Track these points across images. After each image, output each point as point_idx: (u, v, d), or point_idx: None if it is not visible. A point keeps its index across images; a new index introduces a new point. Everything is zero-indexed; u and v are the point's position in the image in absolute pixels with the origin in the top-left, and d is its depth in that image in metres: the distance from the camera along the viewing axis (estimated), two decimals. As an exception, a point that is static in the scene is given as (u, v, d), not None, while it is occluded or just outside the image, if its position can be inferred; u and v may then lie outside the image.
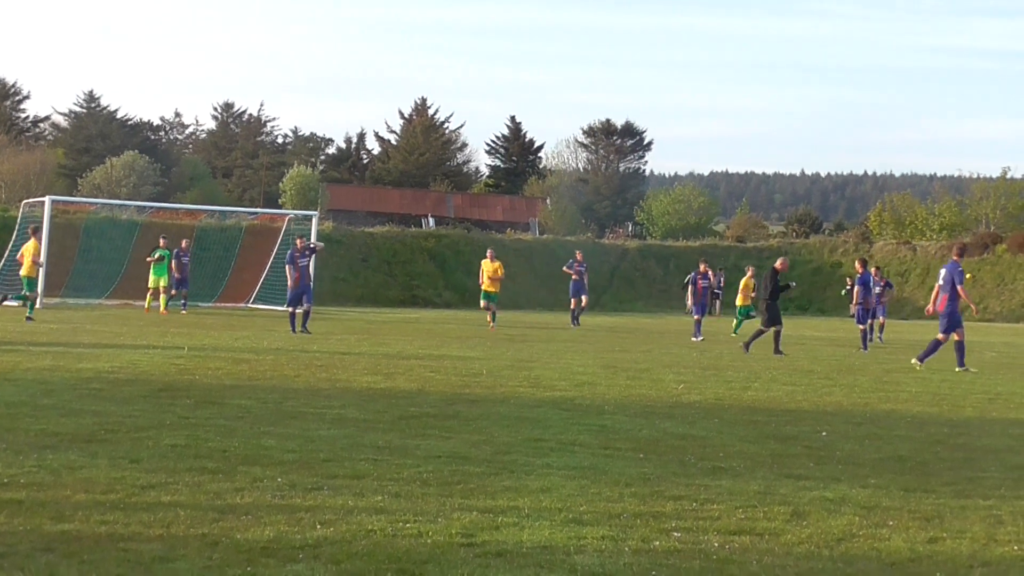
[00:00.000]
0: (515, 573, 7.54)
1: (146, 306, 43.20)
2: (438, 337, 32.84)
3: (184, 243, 44.97)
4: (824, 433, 14.55)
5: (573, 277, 42.77)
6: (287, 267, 33.78)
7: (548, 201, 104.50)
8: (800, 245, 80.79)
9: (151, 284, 43.27)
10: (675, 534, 8.67)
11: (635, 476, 11.00)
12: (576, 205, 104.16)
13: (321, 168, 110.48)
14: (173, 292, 43.13)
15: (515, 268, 69.56)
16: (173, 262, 43.16)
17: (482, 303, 40.24)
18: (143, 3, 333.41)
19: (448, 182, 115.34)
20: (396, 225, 75.47)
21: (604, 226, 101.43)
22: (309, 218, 51.81)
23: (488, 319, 39.37)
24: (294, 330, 32.12)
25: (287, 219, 55.82)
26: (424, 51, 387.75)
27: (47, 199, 47.29)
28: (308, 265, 34.43)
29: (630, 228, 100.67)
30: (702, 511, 9.52)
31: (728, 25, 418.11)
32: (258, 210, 68.94)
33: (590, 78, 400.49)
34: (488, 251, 41.05)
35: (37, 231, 36.61)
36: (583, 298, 43.18)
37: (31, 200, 53.23)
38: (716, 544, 8.44)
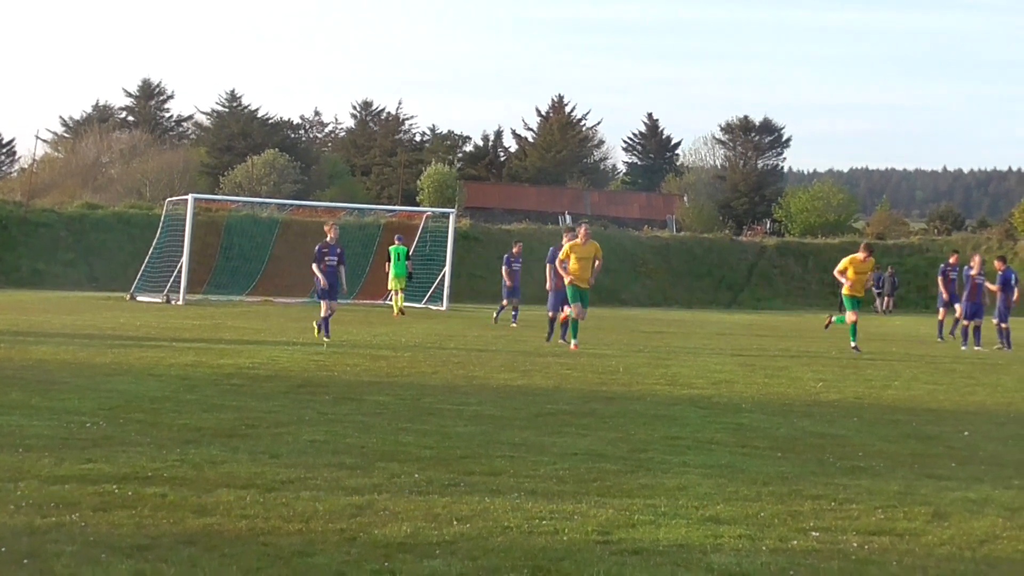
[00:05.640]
0: (651, 571, 7.53)
1: (395, 310, 40.77)
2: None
3: (516, 248, 39.77)
4: (966, 433, 14.32)
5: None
6: (548, 267, 29.61)
7: (685, 198, 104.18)
8: (942, 242, 79.38)
9: (391, 286, 41.70)
10: (813, 534, 8.59)
11: (773, 475, 10.92)
12: (713, 202, 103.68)
13: (458, 166, 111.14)
14: (504, 302, 38.91)
15: (652, 265, 69.58)
16: (504, 268, 39.15)
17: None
18: (283, 3, 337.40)
19: (585, 179, 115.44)
20: (532, 222, 75.51)
21: (742, 223, 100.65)
22: (446, 215, 52.07)
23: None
24: (549, 339, 28.60)
25: (424, 216, 56.19)
26: (561, 48, 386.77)
27: (190, 197, 47.96)
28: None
29: (768, 225, 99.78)
30: (841, 511, 9.43)
31: (868, 19, 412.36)
32: (396, 208, 69.40)
33: (728, 74, 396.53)
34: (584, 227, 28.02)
35: None
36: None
37: (174, 198, 54.11)
38: (855, 544, 8.35)
